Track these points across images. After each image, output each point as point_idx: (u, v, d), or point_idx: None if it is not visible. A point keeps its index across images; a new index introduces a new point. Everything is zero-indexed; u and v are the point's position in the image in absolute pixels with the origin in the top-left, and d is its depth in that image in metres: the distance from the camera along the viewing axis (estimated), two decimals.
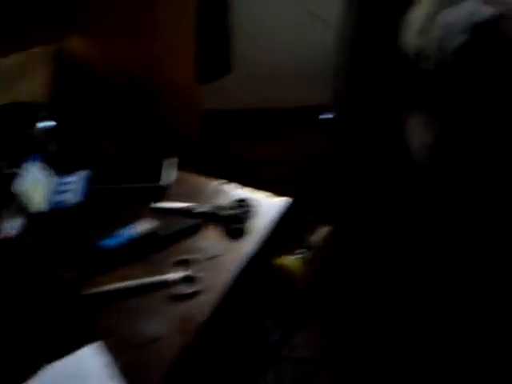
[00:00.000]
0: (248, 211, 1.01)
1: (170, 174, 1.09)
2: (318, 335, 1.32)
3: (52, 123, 1.15)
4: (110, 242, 0.92)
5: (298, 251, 1.38)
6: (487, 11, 1.09)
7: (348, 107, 1.52)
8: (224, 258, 0.93)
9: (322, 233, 1.43)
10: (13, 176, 1.06)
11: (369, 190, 1.44)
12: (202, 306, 0.84)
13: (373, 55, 1.44)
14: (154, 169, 1.11)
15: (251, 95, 2.04)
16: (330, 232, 1.44)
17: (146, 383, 0.74)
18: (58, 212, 1.02)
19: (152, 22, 1.56)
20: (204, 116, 1.72)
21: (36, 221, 1.00)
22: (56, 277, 0.87)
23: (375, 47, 1.43)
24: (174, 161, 1.12)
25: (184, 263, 0.91)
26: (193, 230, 0.97)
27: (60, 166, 1.14)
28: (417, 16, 1.26)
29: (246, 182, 1.10)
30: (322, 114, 1.48)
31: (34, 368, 0.74)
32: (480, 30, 1.07)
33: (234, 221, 0.98)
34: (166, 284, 0.86)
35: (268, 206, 1.05)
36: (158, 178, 1.07)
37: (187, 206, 1.01)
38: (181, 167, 1.12)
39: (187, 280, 0.87)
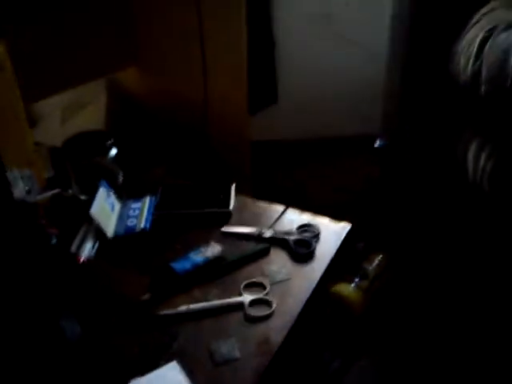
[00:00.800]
0: (314, 236, 1.02)
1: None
2: (376, 365, 1.30)
3: (115, 151, 1.19)
4: (183, 264, 0.95)
5: (353, 279, 1.37)
6: None
7: (399, 134, 1.53)
8: (293, 282, 0.94)
9: (377, 261, 1.43)
10: (85, 202, 1.11)
11: (424, 216, 1.44)
12: (277, 328, 0.85)
13: (423, 82, 1.46)
14: (216, 195, 1.14)
15: (296, 126, 2.08)
16: (386, 260, 1.43)
17: None
18: (128, 237, 1.05)
19: (204, 55, 1.62)
20: (252, 147, 1.75)
21: (108, 245, 1.03)
22: (132, 298, 0.90)
23: (425, 75, 1.45)
24: (233, 187, 1.15)
25: (254, 286, 0.92)
26: (262, 254, 0.99)
27: (125, 193, 1.18)
28: (469, 41, 1.27)
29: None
30: (375, 141, 1.49)
31: None
32: None
33: (302, 245, 1.00)
34: (240, 306, 0.88)
35: (331, 231, 1.06)
36: (224, 204, 1.10)
37: (255, 231, 1.03)
38: (237, 195, 1.15)
39: (260, 302, 0.89)
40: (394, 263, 1.44)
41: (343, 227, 1.07)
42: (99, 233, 1.04)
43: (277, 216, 1.10)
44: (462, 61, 1.27)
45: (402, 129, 1.53)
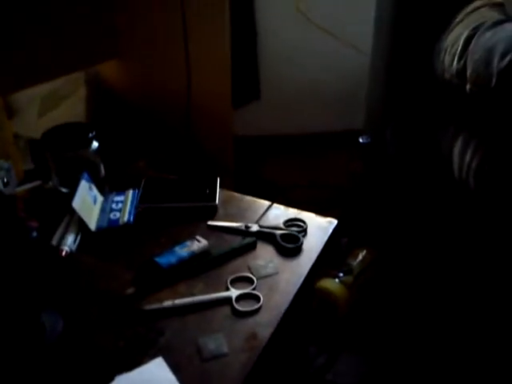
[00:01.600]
0: (302, 231, 1.01)
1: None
2: (360, 360, 1.30)
3: (97, 144, 1.16)
4: (168, 258, 0.93)
5: (337, 274, 1.37)
6: None
7: (383, 131, 1.53)
8: (280, 276, 0.93)
9: (361, 256, 1.43)
10: (66, 195, 1.08)
11: (409, 211, 1.44)
12: (265, 323, 0.83)
13: (407, 80, 1.46)
14: (201, 188, 1.12)
15: (279, 121, 2.08)
16: (370, 255, 1.43)
17: None
18: (111, 230, 1.02)
19: (187, 48, 1.59)
20: (235, 141, 1.74)
21: (90, 238, 1.01)
22: (116, 293, 0.88)
23: (409, 72, 1.45)
24: (217, 181, 1.14)
25: (242, 281, 0.91)
26: (249, 248, 0.98)
27: (107, 186, 1.16)
28: (454, 39, 1.28)
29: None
30: (359, 137, 1.49)
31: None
32: None
33: (289, 240, 0.99)
34: (227, 301, 0.86)
35: (317, 226, 1.05)
36: (210, 198, 1.09)
37: (241, 225, 1.02)
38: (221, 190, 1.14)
39: (248, 297, 0.87)
40: (378, 258, 1.44)
41: (330, 222, 1.06)
42: (81, 226, 1.01)
43: (262, 211, 1.09)
44: (447, 58, 1.28)
45: (386, 125, 1.53)
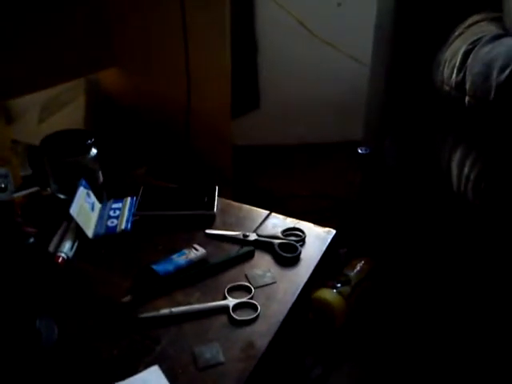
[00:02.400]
0: (300, 240, 1.01)
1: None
2: (357, 372, 1.29)
3: (96, 151, 1.16)
4: (165, 266, 0.92)
5: (335, 285, 1.37)
6: None
7: (382, 142, 1.54)
8: (278, 286, 0.93)
9: (359, 267, 1.42)
10: (64, 201, 1.07)
11: (407, 222, 1.44)
12: (262, 333, 0.83)
13: (406, 91, 1.47)
14: (199, 197, 1.12)
15: (278, 131, 2.08)
16: (368, 266, 1.43)
17: None
18: (108, 237, 1.02)
19: (187, 56, 1.60)
20: (234, 151, 1.74)
21: (88, 245, 1.00)
22: (113, 300, 0.87)
23: (409, 83, 1.46)
24: (215, 189, 1.14)
25: (239, 290, 0.91)
26: (246, 257, 0.97)
27: (105, 193, 1.16)
28: (453, 53, 1.29)
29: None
30: (358, 148, 1.50)
31: None
32: None
33: (287, 249, 0.99)
34: (224, 310, 0.86)
35: (316, 236, 1.05)
36: (209, 206, 1.09)
37: (239, 234, 1.02)
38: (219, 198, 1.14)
39: (245, 306, 0.87)
40: (376, 269, 1.44)
41: (328, 232, 1.06)
42: (79, 233, 1.01)
43: (261, 220, 1.09)
44: (446, 71, 1.29)
45: (385, 136, 1.54)
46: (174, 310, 0.85)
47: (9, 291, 0.84)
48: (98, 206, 1.10)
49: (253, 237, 1.02)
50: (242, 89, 1.95)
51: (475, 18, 1.36)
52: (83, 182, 1.08)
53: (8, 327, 0.80)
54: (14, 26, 1.34)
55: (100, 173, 1.17)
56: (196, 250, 0.97)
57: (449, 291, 1.36)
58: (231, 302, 0.87)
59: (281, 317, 0.86)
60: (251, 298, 0.89)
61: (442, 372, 1.26)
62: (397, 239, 1.47)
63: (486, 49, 1.20)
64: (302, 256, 0.99)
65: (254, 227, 1.06)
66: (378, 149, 1.53)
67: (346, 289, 1.36)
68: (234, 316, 0.85)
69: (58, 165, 1.11)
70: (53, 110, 1.66)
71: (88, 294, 0.90)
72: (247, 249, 0.98)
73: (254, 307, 0.87)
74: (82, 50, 1.54)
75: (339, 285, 1.36)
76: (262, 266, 0.97)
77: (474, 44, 1.24)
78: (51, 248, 0.97)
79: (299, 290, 0.92)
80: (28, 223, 1.00)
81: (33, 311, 0.84)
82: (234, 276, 0.94)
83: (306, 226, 1.07)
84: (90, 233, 1.01)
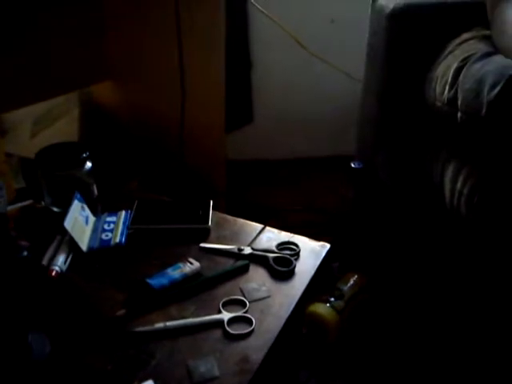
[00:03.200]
0: (294, 254, 1.02)
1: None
2: None
3: (90, 164, 1.16)
4: (160, 280, 0.92)
5: (328, 299, 1.37)
6: None
7: (374, 156, 1.55)
8: (273, 300, 0.92)
9: (352, 281, 1.43)
10: (58, 214, 1.07)
11: (400, 237, 1.45)
12: (257, 347, 0.83)
13: (399, 107, 1.49)
14: (194, 210, 1.12)
15: (272, 146, 2.09)
16: (361, 280, 1.43)
17: None
18: (102, 251, 1.02)
19: (182, 72, 1.61)
20: (227, 165, 1.75)
21: (82, 259, 1.00)
22: (107, 314, 0.87)
23: (401, 99, 1.48)
24: (210, 203, 1.14)
25: (234, 304, 0.90)
26: (241, 271, 0.97)
27: (100, 206, 1.15)
28: (444, 69, 1.31)
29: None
30: (351, 163, 1.51)
31: None
32: None
33: (282, 263, 0.99)
34: (219, 323, 0.85)
35: (310, 250, 1.05)
36: (203, 220, 1.09)
37: (234, 248, 1.02)
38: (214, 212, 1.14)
39: (240, 320, 0.87)
40: (369, 284, 1.44)
41: (322, 246, 1.06)
42: (73, 246, 1.00)
43: (255, 234, 1.09)
44: (438, 88, 1.31)
45: (378, 151, 1.55)
46: (169, 324, 0.85)
47: (1, 305, 0.83)
48: (92, 219, 1.10)
49: (247, 251, 1.02)
50: (236, 103, 1.96)
51: (465, 35, 1.38)
52: (78, 196, 1.07)
53: None
54: (6, 39, 1.35)
55: (94, 186, 1.17)
56: (191, 263, 0.97)
57: (442, 306, 1.37)
58: (226, 316, 0.87)
59: (276, 331, 0.86)
60: (246, 312, 0.88)
61: None
62: (390, 253, 1.47)
63: (477, 66, 1.22)
64: (297, 270, 0.99)
65: (249, 241, 1.06)
66: (370, 163, 1.54)
67: (340, 303, 1.36)
68: (229, 330, 0.84)
69: (52, 178, 1.11)
70: (46, 123, 1.66)
71: (82, 307, 0.89)
72: (242, 263, 0.98)
73: (248, 321, 0.86)
74: (75, 63, 1.55)
75: (333, 299, 1.36)
76: (257, 279, 0.96)
77: (464, 61, 1.26)
78: (45, 261, 0.96)
79: (294, 304, 0.92)
80: (21, 236, 1.00)
81: (25, 325, 0.83)
82: (228, 290, 0.94)
83: (300, 240, 1.07)
84: (84, 246, 1.01)
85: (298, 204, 1.81)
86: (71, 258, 0.99)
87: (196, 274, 0.95)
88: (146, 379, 0.77)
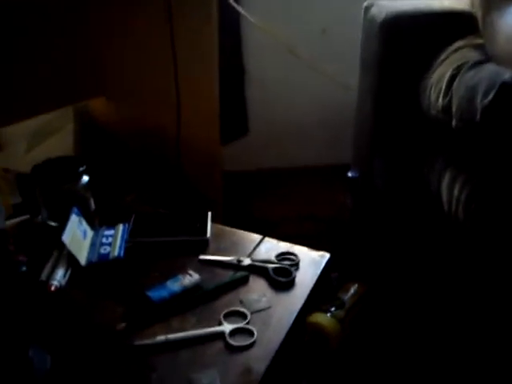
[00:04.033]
0: (294, 264, 1.01)
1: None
2: None
3: (87, 178, 1.16)
4: (160, 292, 0.92)
5: (329, 308, 1.36)
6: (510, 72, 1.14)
7: (371, 165, 1.56)
8: (274, 310, 0.92)
9: (352, 290, 1.42)
10: (55, 229, 1.07)
11: (399, 245, 1.45)
12: (260, 358, 0.82)
13: (394, 115, 1.49)
14: (192, 223, 1.12)
15: (268, 156, 2.10)
16: (361, 289, 1.43)
17: None
18: (101, 264, 1.01)
19: (177, 85, 1.61)
20: (224, 177, 1.75)
21: (81, 273, 0.99)
22: (107, 328, 0.86)
23: (396, 107, 1.49)
24: (209, 215, 1.14)
25: (234, 315, 0.90)
26: (241, 282, 0.97)
27: (97, 220, 1.15)
28: (438, 77, 1.32)
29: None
30: (348, 172, 1.51)
31: None
32: (506, 88, 1.11)
33: (282, 273, 0.99)
34: (220, 335, 0.85)
35: (310, 260, 1.05)
36: (201, 232, 1.09)
37: (233, 259, 1.02)
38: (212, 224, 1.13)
39: (241, 332, 0.86)
40: (369, 292, 1.44)
41: (322, 256, 1.06)
42: (71, 260, 1.00)
43: (254, 245, 1.09)
44: (433, 96, 1.32)
45: (374, 160, 1.56)
46: (170, 336, 0.84)
47: (0, 320, 0.82)
48: (90, 233, 1.09)
49: (247, 262, 1.02)
50: (231, 115, 1.96)
51: (458, 44, 1.39)
52: (75, 210, 1.07)
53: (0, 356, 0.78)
54: (1, 55, 1.35)
55: (92, 200, 1.17)
56: (190, 275, 0.96)
57: (442, 313, 1.37)
58: (227, 327, 0.86)
59: (277, 341, 0.85)
60: (247, 324, 0.88)
61: None
62: (389, 262, 1.47)
63: (471, 74, 1.24)
64: (297, 280, 0.99)
65: (248, 252, 1.06)
66: (367, 172, 1.54)
67: (340, 312, 1.35)
68: (231, 342, 0.84)
69: (49, 192, 1.11)
70: (42, 137, 1.66)
71: (81, 322, 0.88)
72: (242, 274, 0.98)
73: (250, 332, 0.86)
74: (70, 78, 1.55)
75: (333, 308, 1.36)
76: (257, 290, 0.96)
77: (458, 69, 1.28)
78: (43, 276, 0.96)
79: (295, 315, 0.92)
80: (19, 251, 0.99)
81: (25, 340, 0.82)
82: (229, 301, 0.94)
83: (299, 250, 1.07)
84: (82, 260, 1.01)
85: (296, 214, 1.81)
86: (70, 273, 0.99)
87: (196, 286, 0.95)
88: None
